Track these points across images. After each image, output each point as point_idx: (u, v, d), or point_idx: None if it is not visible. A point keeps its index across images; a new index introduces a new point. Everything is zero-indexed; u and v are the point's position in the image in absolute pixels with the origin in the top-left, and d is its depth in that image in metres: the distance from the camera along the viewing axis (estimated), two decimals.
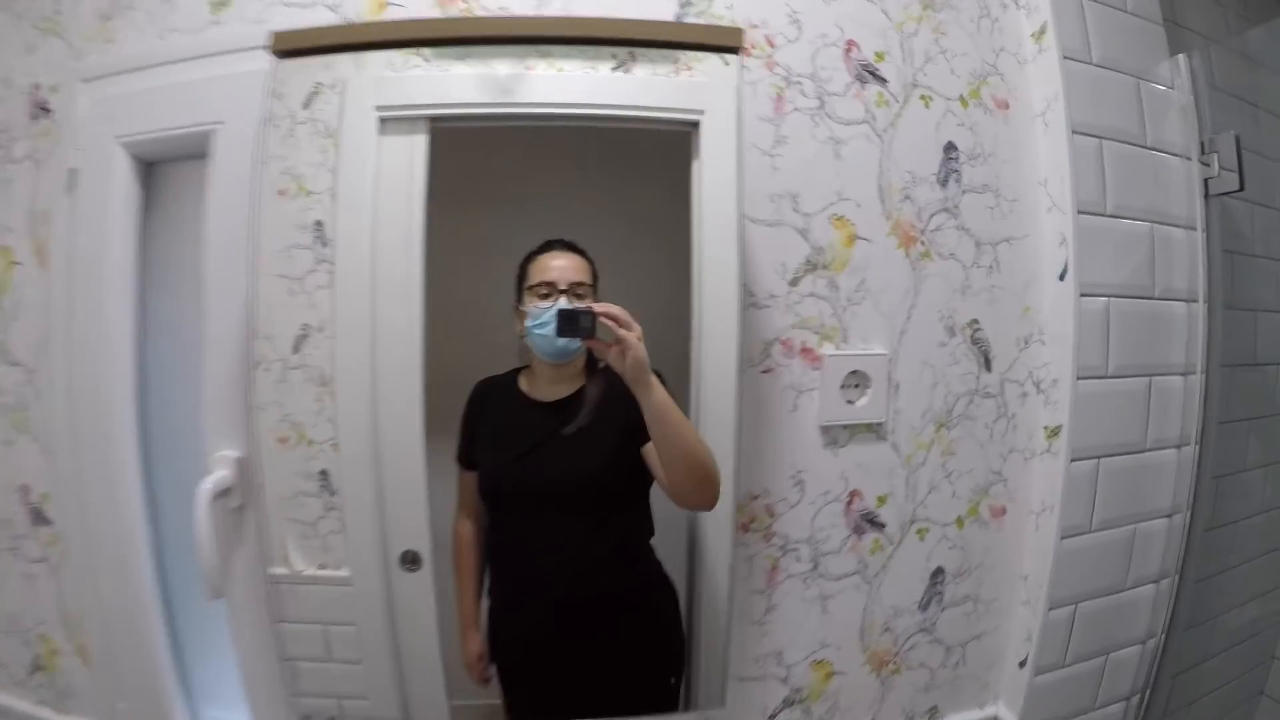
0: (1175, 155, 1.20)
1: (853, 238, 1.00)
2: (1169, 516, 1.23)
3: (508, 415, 0.91)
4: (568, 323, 0.81)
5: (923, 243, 1.04)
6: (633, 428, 0.85)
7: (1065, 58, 1.09)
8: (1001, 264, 1.11)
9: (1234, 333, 1.29)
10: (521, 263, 0.89)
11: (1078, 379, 1.08)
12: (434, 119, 0.86)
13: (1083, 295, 1.09)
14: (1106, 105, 1.12)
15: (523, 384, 0.92)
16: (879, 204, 1.02)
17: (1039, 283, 1.13)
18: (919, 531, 1.07)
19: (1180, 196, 1.19)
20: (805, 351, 0.98)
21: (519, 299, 0.89)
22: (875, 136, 1.02)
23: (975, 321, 1.09)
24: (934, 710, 1.15)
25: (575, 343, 0.83)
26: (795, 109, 0.99)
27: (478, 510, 0.92)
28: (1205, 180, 1.19)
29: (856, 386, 0.99)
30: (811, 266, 0.97)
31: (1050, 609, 1.12)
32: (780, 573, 1.00)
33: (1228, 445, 1.40)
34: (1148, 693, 1.28)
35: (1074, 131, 1.09)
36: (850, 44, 1.02)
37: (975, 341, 1.09)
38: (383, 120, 0.85)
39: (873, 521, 1.03)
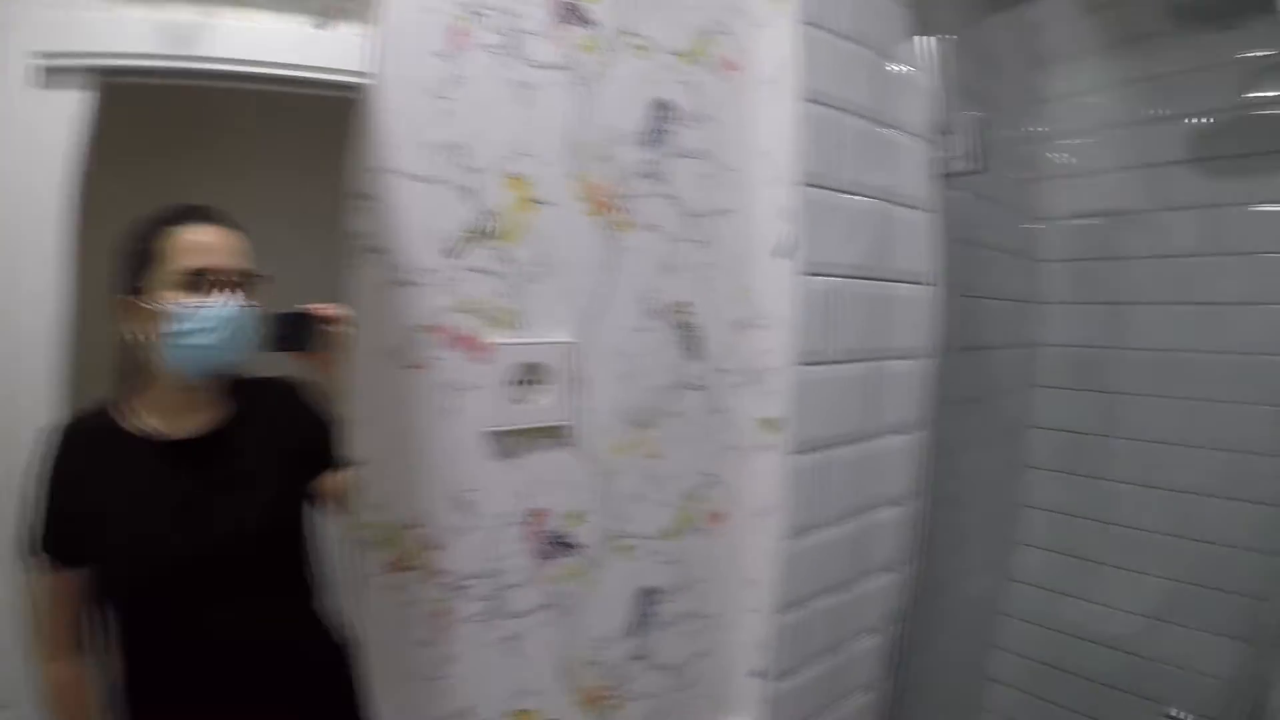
0: (913, 135, 1.22)
1: (530, 201, 0.88)
2: (900, 504, 1.27)
3: (123, 467, 0.70)
4: (291, 332, 0.68)
5: (620, 210, 0.95)
6: (304, 455, 0.77)
7: (806, 23, 1.05)
8: (715, 239, 1.05)
9: (961, 317, 1.35)
10: (141, 235, 0.69)
11: (799, 365, 1.05)
12: (101, 70, 0.71)
13: (806, 274, 1.05)
14: (844, 78, 1.11)
15: (129, 417, 0.70)
16: (568, 162, 0.91)
17: (758, 261, 1.09)
18: (622, 549, 0.99)
19: (915, 177, 1.22)
20: (467, 340, 0.85)
21: (132, 288, 0.68)
22: (576, 85, 0.92)
23: (683, 303, 1.02)
24: None
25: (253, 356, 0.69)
26: (479, 45, 0.85)
27: (77, 633, 0.68)
28: (942, 162, 1.24)
29: (534, 382, 0.88)
30: (478, 235, 0.84)
31: (782, 613, 1.10)
32: (453, 617, 0.87)
33: (959, 426, 1.52)
34: (891, 677, 1.33)
35: (808, 100, 1.04)
36: None
37: (682, 326, 1.02)
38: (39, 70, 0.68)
39: (565, 543, 0.94)
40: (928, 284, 1.28)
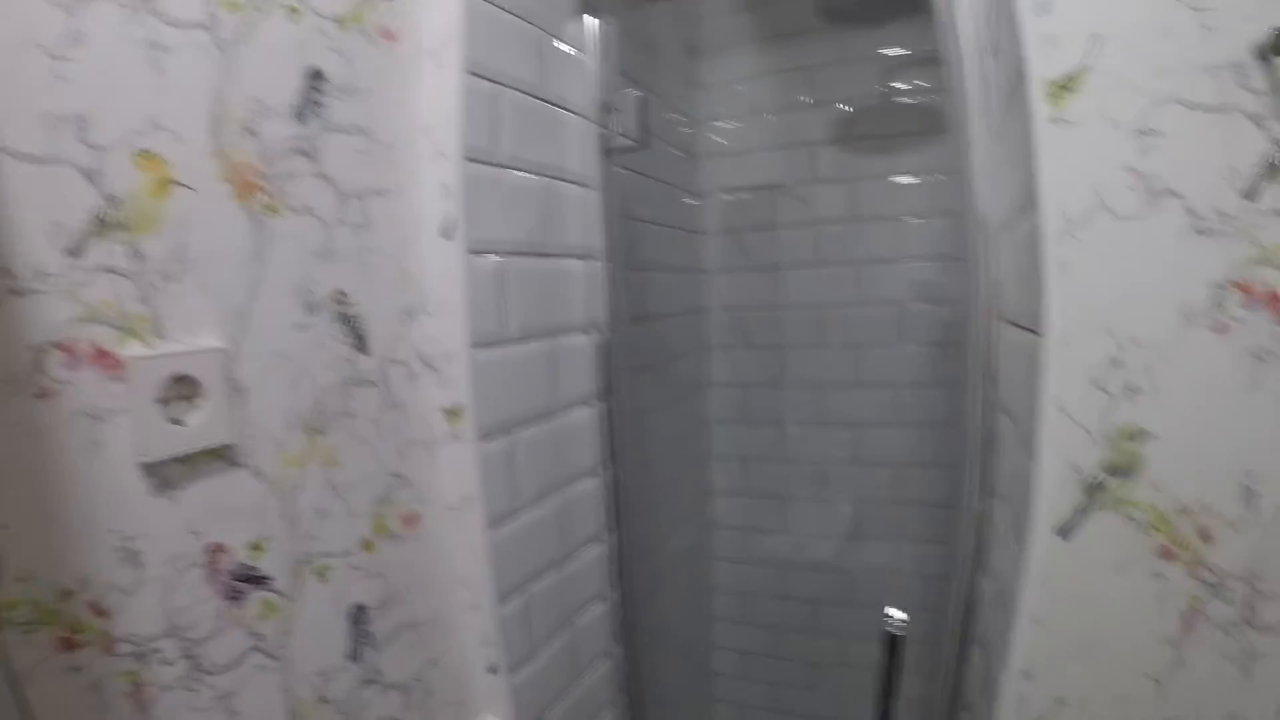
0: (577, 113, 1.29)
1: (167, 182, 0.78)
2: (594, 474, 1.35)
3: None
4: None
5: (268, 193, 0.88)
6: None
7: None
8: (373, 221, 1.02)
9: (632, 289, 1.46)
10: None
11: (474, 348, 1.06)
12: None
13: (473, 253, 1.07)
14: (509, 53, 1.13)
15: None
16: (209, 138, 0.82)
17: (420, 242, 1.08)
18: (317, 572, 0.94)
19: (579, 154, 1.29)
20: (101, 355, 0.74)
21: None
22: (217, 49, 0.83)
23: (343, 293, 0.97)
24: None
25: None
26: None
27: None
28: (605, 138, 1.33)
29: (186, 399, 0.79)
30: (104, 226, 0.73)
31: (501, 605, 1.12)
32: (148, 693, 0.76)
33: (643, 392, 1.60)
34: (623, 640, 1.43)
35: (471, 73, 1.05)
36: None
37: (345, 319, 0.98)
38: None
39: (253, 578, 0.86)
40: (597, 258, 1.36)
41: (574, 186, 1.33)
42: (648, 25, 1.71)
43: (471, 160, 1.08)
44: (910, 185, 2.02)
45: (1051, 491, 0.87)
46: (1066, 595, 0.89)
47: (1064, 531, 0.87)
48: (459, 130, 1.06)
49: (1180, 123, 0.80)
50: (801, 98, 2.12)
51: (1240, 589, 0.84)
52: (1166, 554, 0.85)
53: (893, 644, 1.26)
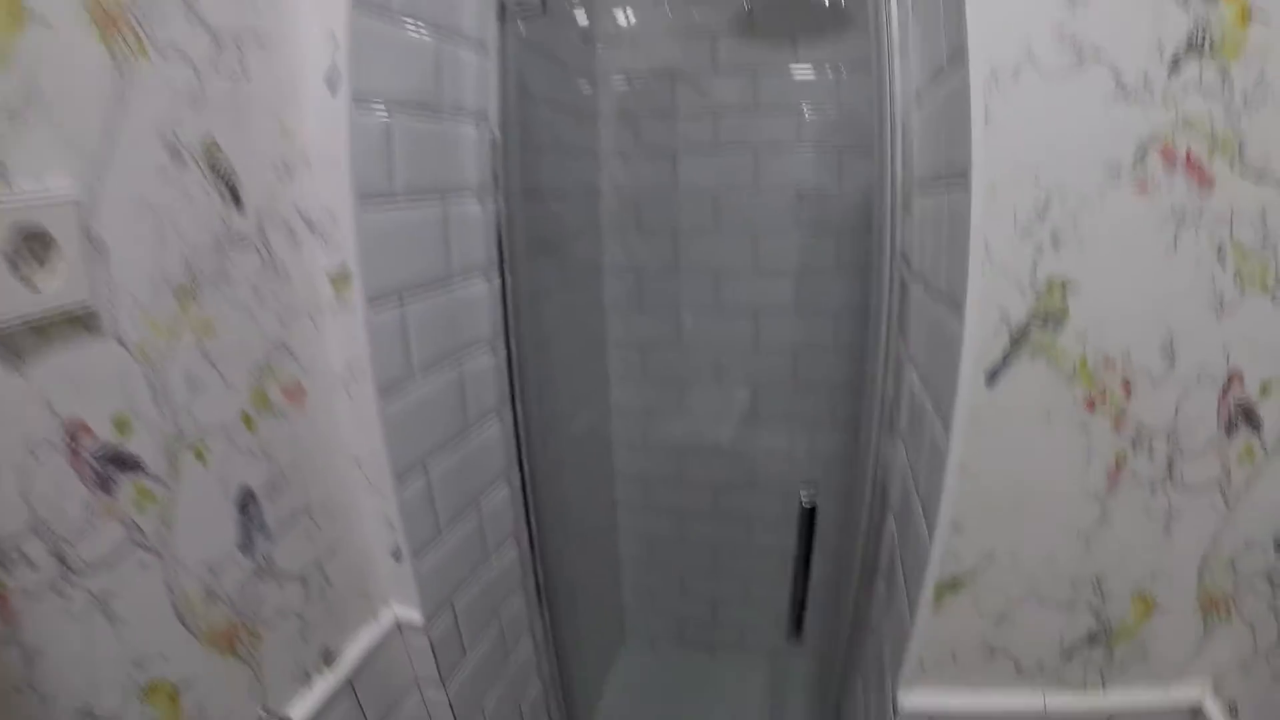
0: None
1: (18, 16, 0.66)
2: (491, 348, 1.31)
3: None
4: None
5: (135, 32, 0.77)
6: None
7: None
8: (251, 68, 0.92)
9: (527, 164, 1.39)
10: None
11: (360, 207, 0.99)
12: None
13: (358, 104, 0.98)
14: None
15: None
16: None
17: (302, 93, 0.99)
18: (196, 453, 0.86)
19: (477, 14, 1.22)
20: None
21: None
22: None
23: (215, 143, 0.87)
24: (326, 652, 1.05)
25: None
26: None
27: None
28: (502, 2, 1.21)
29: (37, 259, 0.67)
30: None
31: (400, 484, 1.09)
32: (12, 601, 0.67)
33: (539, 272, 1.55)
34: (527, 523, 1.42)
35: None
36: None
37: (216, 170, 0.87)
38: None
39: (123, 460, 0.77)
40: (490, 124, 1.27)
41: (469, 49, 1.24)
42: None
43: (360, 7, 0.98)
44: (809, 80, 2.02)
45: (978, 338, 0.87)
46: (995, 446, 0.89)
47: (991, 376, 0.87)
48: None
49: None
50: None
51: (1162, 447, 0.87)
52: (1090, 405, 0.87)
53: (808, 517, 1.27)
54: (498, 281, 1.29)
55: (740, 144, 2.08)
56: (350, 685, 1.10)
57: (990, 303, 0.84)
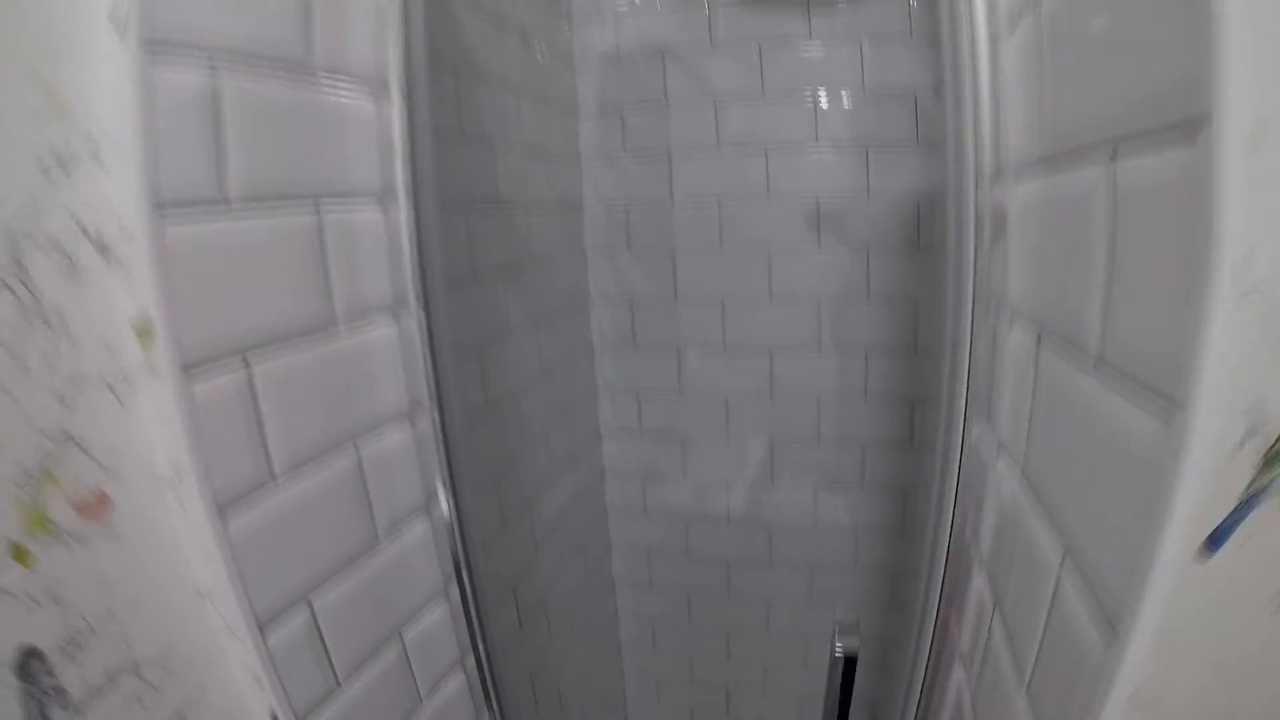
0: None
1: None
2: (410, 419, 1.00)
3: None
4: None
5: None
6: None
7: None
8: None
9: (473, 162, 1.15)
10: None
11: (162, 216, 0.68)
12: None
13: (157, 57, 0.66)
14: None
15: None
16: None
17: (82, 42, 0.67)
18: None
19: None
20: None
21: None
22: None
23: None
24: None
25: None
26: None
27: None
28: None
29: None
30: None
31: (265, 627, 0.79)
32: None
33: (500, 303, 1.33)
34: (476, 647, 1.12)
35: None
36: None
37: None
38: None
39: None
40: (394, 97, 0.92)
41: None
42: None
43: None
44: (816, 58, 1.77)
45: (1205, 456, 0.46)
46: (1205, 661, 0.51)
47: (1217, 538, 0.48)
48: None
49: None
50: None
51: None
52: None
53: (846, 670, 0.97)
54: (414, 322, 0.95)
55: (747, 143, 1.81)
56: None
57: (1238, 388, 0.44)
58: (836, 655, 0.96)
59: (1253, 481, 0.46)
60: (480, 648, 1.11)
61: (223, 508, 0.74)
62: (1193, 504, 0.46)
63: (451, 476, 1.02)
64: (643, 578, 2.26)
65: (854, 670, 0.95)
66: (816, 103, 1.75)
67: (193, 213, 0.70)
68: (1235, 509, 0.47)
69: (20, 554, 0.64)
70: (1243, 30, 0.40)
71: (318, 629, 0.87)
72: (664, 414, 2.07)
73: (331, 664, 0.90)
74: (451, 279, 0.98)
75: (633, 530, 2.21)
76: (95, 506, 0.71)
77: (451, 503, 1.02)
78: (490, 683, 1.14)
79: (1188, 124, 0.43)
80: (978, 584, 0.88)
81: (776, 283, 1.88)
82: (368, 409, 0.94)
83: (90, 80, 0.68)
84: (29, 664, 0.65)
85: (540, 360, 1.66)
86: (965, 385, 0.86)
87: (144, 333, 0.70)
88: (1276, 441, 0.45)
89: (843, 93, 1.74)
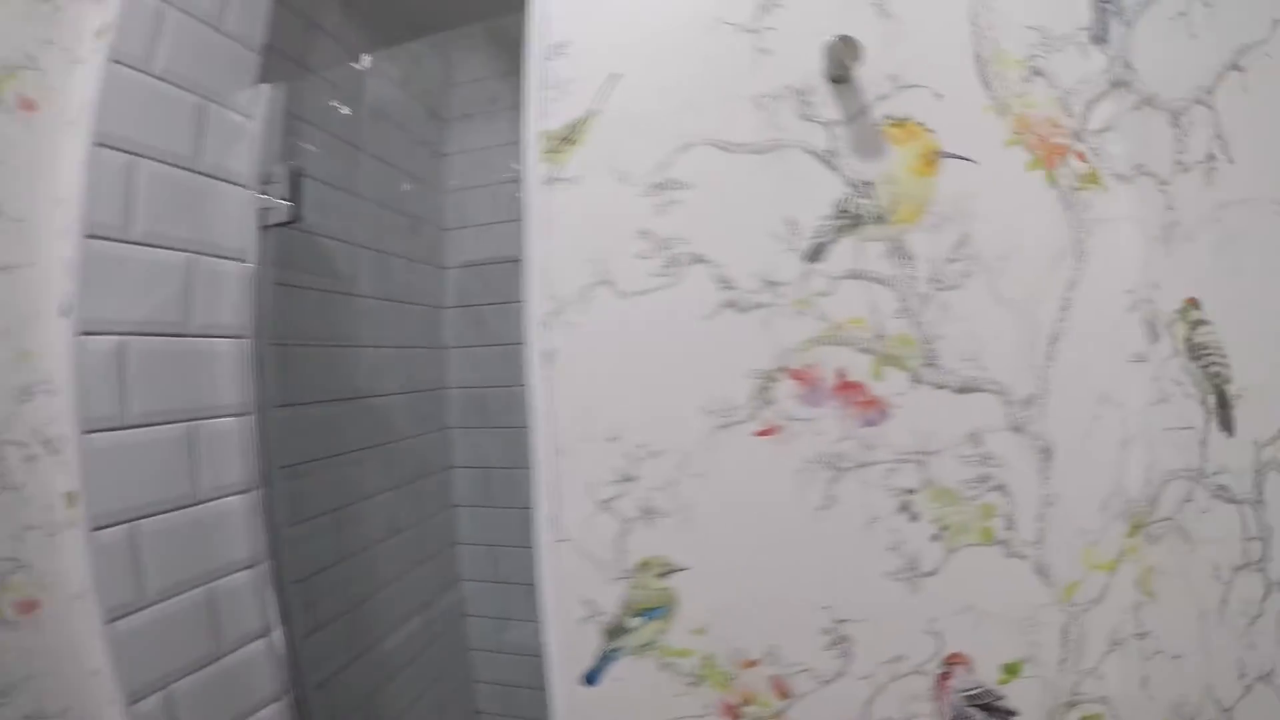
0: (237, 185, 1.31)
1: None
2: (252, 567, 1.33)
3: None
4: None
5: None
6: None
7: (113, 61, 1.09)
8: None
9: (330, 366, 1.50)
10: None
11: (85, 433, 1.07)
12: None
13: (86, 334, 1.07)
14: (157, 123, 1.17)
15: None
16: None
17: (44, 321, 1.10)
18: None
19: (236, 227, 1.31)
20: None
21: None
22: None
23: None
24: None
25: None
26: None
27: None
28: (261, 211, 1.34)
29: None
30: None
31: (134, 704, 1.11)
32: None
33: (349, 474, 1.66)
34: None
35: (99, 144, 1.08)
36: None
37: None
38: None
39: None
40: (246, 336, 1.36)
41: (230, 262, 1.35)
42: (342, 80, 1.76)
43: (93, 237, 1.10)
44: None
45: (565, 632, 0.74)
46: None
47: (588, 678, 0.75)
48: (80, 205, 1.09)
49: (713, 169, 0.70)
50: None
51: None
52: (732, 713, 0.70)
53: None
54: (257, 495, 1.36)
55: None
56: None
57: (571, 589, 0.75)
58: None
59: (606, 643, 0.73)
60: None
61: (110, 616, 1.11)
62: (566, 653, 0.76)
63: (283, 611, 1.38)
64: (502, 711, 2.38)
65: None
66: None
67: (105, 427, 1.12)
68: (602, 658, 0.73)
69: None
70: None
71: (173, 714, 1.21)
72: (514, 563, 2.29)
73: None
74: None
75: (493, 667, 2.37)
76: (29, 606, 1.09)
77: (285, 633, 1.38)
78: None
79: None
80: None
81: None
82: (224, 557, 1.32)
83: (45, 343, 1.11)
84: None
85: (398, 517, 1.99)
86: None
87: (71, 500, 1.10)
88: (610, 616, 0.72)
89: None
